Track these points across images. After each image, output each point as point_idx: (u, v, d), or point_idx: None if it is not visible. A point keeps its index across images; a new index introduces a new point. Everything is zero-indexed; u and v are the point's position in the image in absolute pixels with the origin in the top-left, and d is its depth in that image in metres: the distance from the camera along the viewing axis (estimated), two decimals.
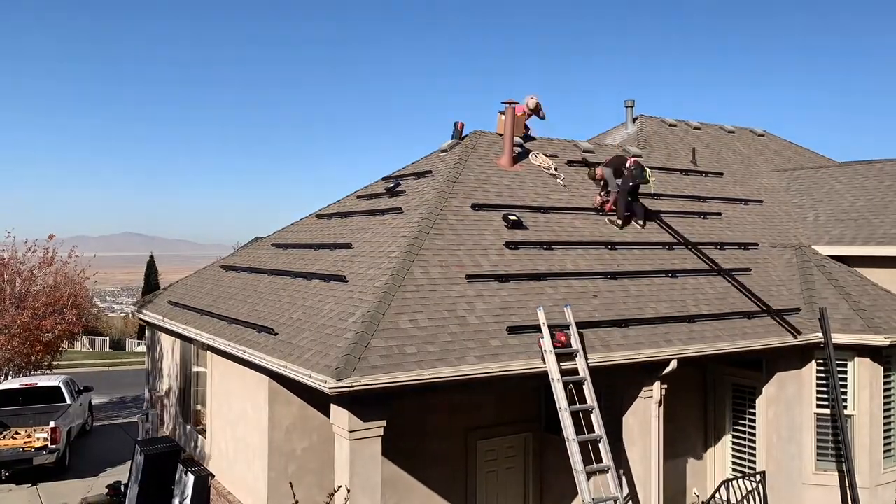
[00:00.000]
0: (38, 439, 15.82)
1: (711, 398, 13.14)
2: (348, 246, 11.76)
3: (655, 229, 13.29)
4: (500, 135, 13.90)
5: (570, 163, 14.55)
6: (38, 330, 21.03)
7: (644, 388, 10.31)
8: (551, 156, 14.29)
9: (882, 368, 11.79)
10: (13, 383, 19.12)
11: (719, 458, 13.04)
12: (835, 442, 11.67)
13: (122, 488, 13.35)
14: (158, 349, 16.38)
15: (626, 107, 18.56)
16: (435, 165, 13.56)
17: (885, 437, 11.90)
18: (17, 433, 16.41)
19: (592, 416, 8.94)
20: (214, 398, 12.44)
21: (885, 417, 11.89)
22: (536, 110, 14.76)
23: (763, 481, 11.85)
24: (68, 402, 18.37)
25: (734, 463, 12.81)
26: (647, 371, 10.27)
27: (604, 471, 8.64)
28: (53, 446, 15.86)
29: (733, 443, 12.84)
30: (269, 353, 9.21)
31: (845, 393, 11.72)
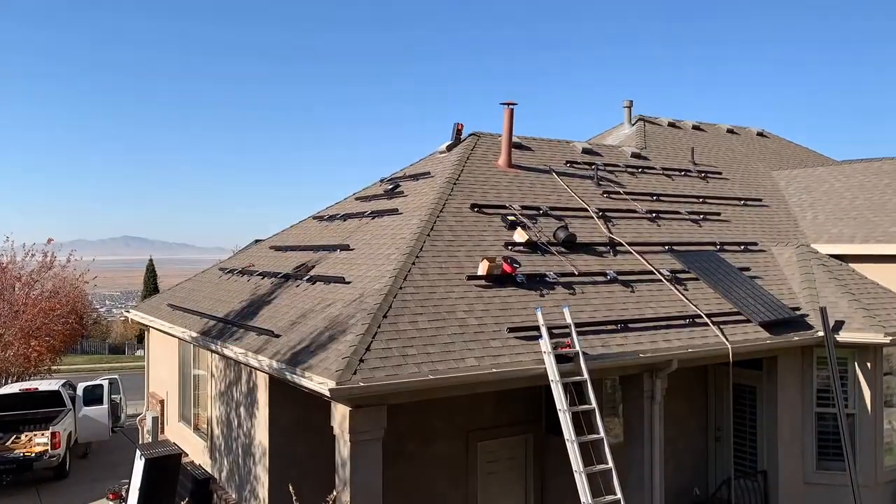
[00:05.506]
0: (39, 444, 15.77)
1: (712, 398, 13.11)
2: (347, 248, 11.76)
3: (656, 229, 13.28)
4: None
5: (569, 163, 14.56)
6: (39, 334, 21.02)
7: (644, 389, 10.30)
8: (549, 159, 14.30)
9: (882, 367, 11.79)
10: (13, 388, 19.06)
11: (720, 458, 13.01)
12: (836, 441, 11.66)
13: (124, 493, 13.33)
14: (158, 353, 16.38)
15: (624, 107, 18.54)
16: (434, 167, 13.56)
17: (885, 436, 11.89)
18: (17, 438, 16.37)
19: (593, 417, 8.93)
20: (214, 401, 12.44)
21: (885, 416, 11.89)
22: None
23: (764, 480, 11.84)
24: (69, 406, 18.33)
25: (736, 462, 12.79)
26: (648, 371, 10.25)
27: (605, 472, 8.63)
28: (54, 451, 15.83)
29: (735, 442, 12.82)
30: (269, 355, 9.20)
31: (846, 391, 11.71)
